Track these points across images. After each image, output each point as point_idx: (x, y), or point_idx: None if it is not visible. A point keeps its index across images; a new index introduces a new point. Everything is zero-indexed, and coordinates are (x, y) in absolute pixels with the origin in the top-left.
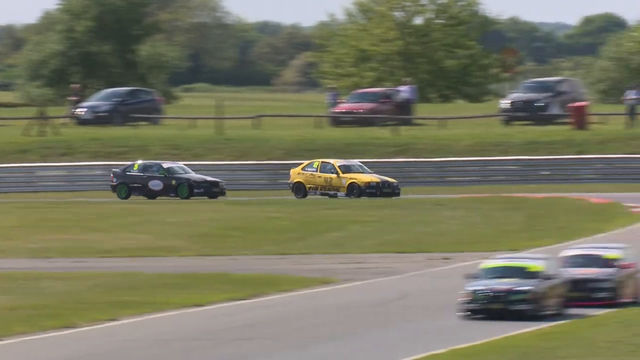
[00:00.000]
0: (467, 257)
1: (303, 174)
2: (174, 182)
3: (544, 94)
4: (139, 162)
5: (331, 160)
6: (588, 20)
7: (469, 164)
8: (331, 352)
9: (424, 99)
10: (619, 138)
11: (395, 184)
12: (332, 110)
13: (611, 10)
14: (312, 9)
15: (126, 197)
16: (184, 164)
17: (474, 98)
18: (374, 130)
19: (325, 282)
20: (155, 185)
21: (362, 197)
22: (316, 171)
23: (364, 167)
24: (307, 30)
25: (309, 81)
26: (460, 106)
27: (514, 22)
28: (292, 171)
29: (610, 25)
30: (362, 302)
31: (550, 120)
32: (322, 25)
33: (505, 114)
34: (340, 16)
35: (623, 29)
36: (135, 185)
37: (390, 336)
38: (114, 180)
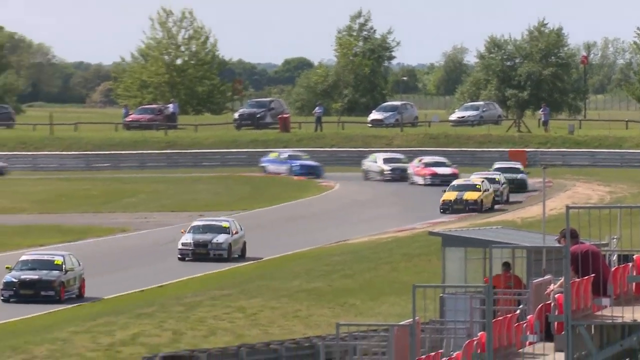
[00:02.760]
0: (215, 214)
1: None
2: None
3: (261, 109)
4: None
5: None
6: (288, 61)
7: (214, 154)
8: (129, 275)
9: (184, 112)
10: (310, 138)
11: (471, 201)
12: (125, 120)
13: (303, 55)
14: (111, 52)
15: None
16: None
17: (216, 112)
18: (152, 132)
19: (123, 230)
20: None
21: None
22: None
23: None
24: (107, 67)
25: (110, 100)
26: (208, 117)
27: (240, 62)
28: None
29: (302, 64)
30: (146, 244)
31: (266, 126)
32: (117, 64)
33: (237, 122)
34: (129, 58)
35: (311, 67)
36: None
37: (168, 265)
38: None
